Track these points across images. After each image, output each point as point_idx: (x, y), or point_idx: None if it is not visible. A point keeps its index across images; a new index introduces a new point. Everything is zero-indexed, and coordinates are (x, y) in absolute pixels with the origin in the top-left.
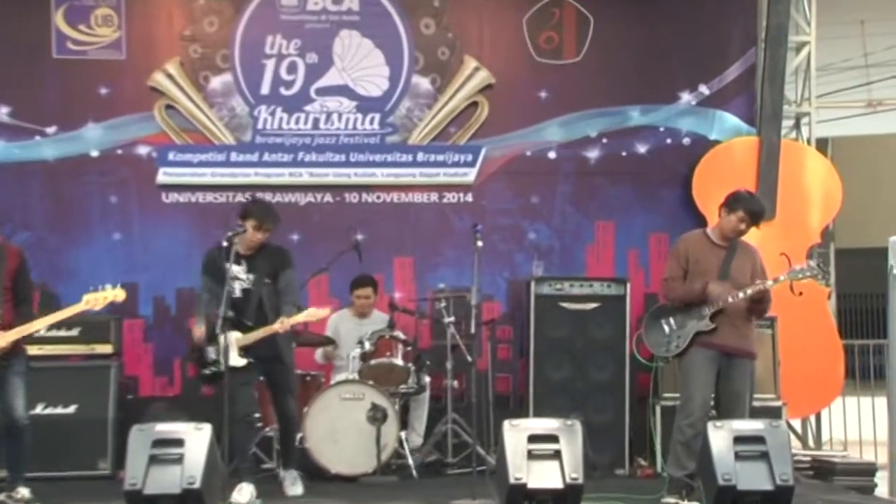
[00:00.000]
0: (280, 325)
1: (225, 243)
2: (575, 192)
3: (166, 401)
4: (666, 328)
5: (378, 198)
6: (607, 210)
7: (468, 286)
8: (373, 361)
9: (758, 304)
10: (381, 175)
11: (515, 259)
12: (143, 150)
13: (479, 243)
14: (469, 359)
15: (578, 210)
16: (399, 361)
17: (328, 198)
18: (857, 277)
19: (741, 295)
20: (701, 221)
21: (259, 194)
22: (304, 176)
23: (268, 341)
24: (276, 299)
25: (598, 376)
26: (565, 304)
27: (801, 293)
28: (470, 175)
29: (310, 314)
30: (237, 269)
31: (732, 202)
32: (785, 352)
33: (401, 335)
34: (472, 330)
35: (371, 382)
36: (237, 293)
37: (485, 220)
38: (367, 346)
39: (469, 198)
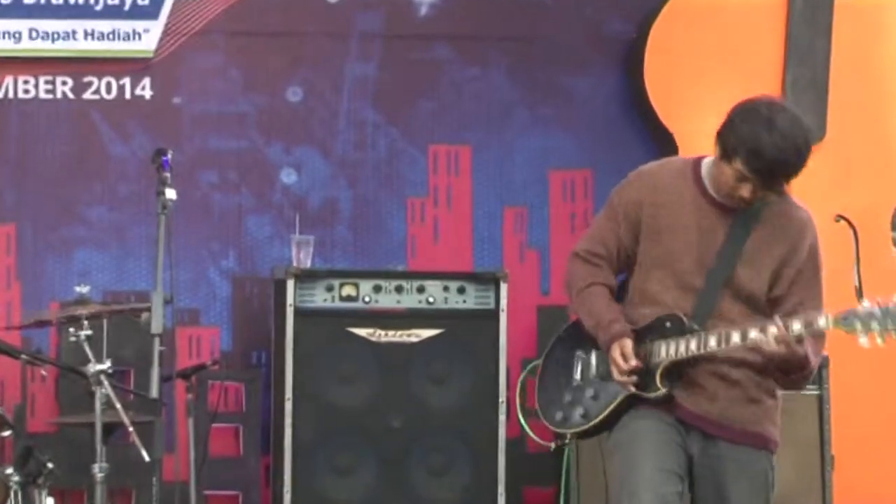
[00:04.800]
0: None
1: None
2: (386, 80)
3: None
4: (577, 367)
5: None
6: (457, 121)
7: (144, 290)
8: None
9: (785, 373)
10: None
11: (249, 229)
12: None
13: (170, 193)
14: (145, 456)
15: (392, 121)
16: None
17: None
18: None
19: (733, 338)
20: (663, 146)
21: None
22: None
23: None
24: None
25: (437, 491)
26: (363, 332)
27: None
28: (146, 38)
29: None
30: None
31: (727, 134)
32: (844, 434)
33: None
34: (154, 392)
35: None
36: None
37: (181, 139)
38: None
39: (145, 89)
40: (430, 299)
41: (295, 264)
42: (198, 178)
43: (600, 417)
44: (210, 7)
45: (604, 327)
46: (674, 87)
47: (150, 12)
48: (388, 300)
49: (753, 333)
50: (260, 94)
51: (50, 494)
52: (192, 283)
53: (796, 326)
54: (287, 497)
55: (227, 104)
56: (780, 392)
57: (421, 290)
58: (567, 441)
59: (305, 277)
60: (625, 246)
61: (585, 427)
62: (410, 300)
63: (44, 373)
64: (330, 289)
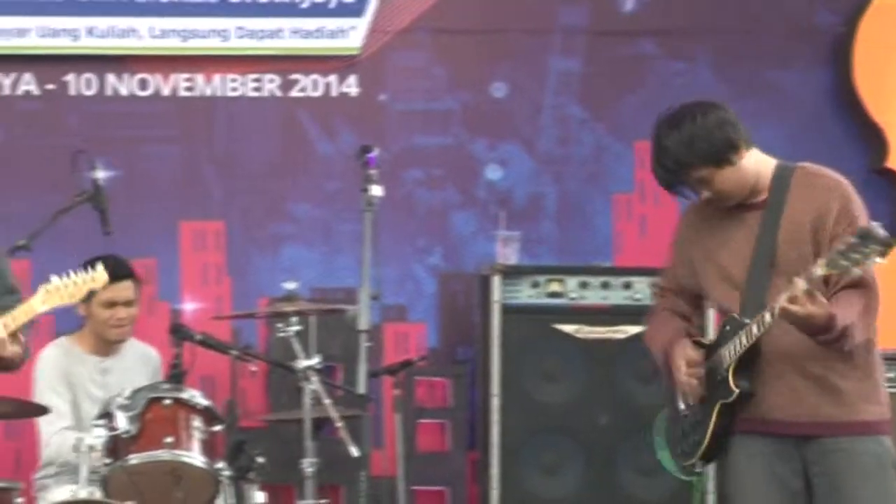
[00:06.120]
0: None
1: None
2: (590, 76)
3: None
4: (679, 398)
5: (142, 85)
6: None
7: (351, 287)
8: (135, 457)
9: (811, 335)
10: (147, 34)
11: (455, 226)
12: None
13: (375, 190)
14: (354, 451)
15: (597, 116)
16: (194, 457)
17: (28, 85)
18: None
19: (764, 321)
20: (872, 140)
21: None
22: None
23: None
24: None
25: (646, 491)
26: (569, 329)
27: None
28: (353, 36)
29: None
30: None
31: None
32: None
33: (198, 397)
34: (362, 388)
35: None
36: None
37: (386, 136)
38: (123, 420)
39: (351, 87)
40: (637, 296)
41: (500, 260)
42: (403, 175)
43: (706, 442)
44: (415, 5)
45: (665, 346)
46: (883, 80)
47: (356, 10)
48: (594, 296)
49: (778, 305)
50: (464, 91)
51: (260, 489)
52: (398, 280)
53: (800, 281)
54: (494, 494)
55: (431, 101)
56: (879, 368)
57: (627, 286)
58: (699, 471)
59: (511, 274)
60: (686, 278)
61: (701, 452)
62: (616, 296)
63: (253, 368)
64: (535, 285)
